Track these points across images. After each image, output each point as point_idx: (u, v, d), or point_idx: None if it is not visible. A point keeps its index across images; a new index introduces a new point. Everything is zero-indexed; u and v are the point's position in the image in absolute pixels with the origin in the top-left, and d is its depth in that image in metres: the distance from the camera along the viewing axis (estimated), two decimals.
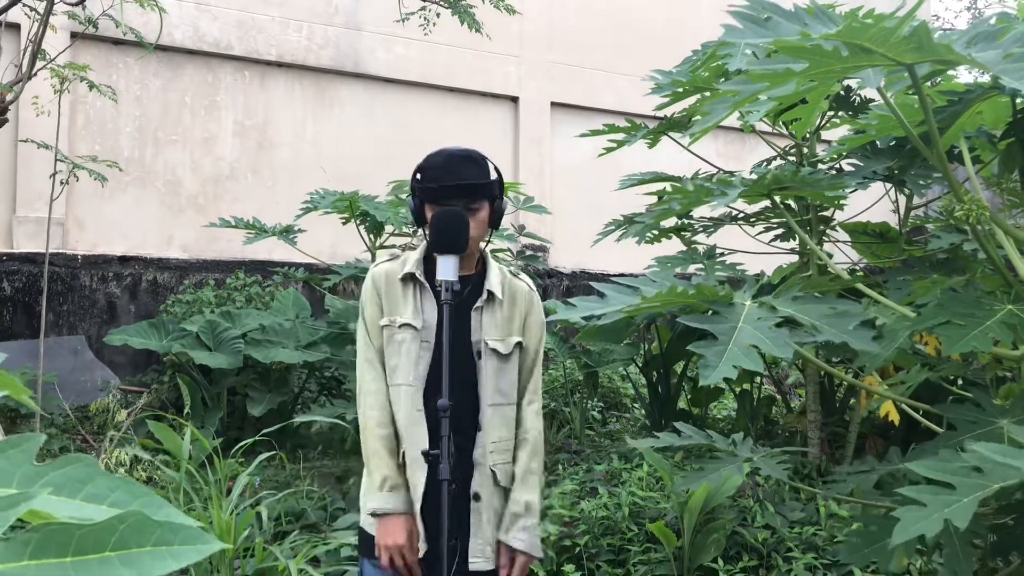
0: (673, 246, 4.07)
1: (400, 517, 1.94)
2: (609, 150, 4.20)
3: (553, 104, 9.01)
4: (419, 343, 2.00)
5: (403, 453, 1.99)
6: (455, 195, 1.97)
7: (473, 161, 2.01)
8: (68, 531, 0.48)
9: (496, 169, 2.06)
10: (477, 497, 1.98)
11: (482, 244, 2.11)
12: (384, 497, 1.95)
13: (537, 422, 2.12)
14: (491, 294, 2.04)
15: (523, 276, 2.17)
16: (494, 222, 2.06)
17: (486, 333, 2.02)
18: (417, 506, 1.96)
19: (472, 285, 2.05)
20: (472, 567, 1.96)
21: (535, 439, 2.10)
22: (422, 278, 2.04)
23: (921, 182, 2.35)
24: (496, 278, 2.07)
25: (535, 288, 2.17)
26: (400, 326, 2.01)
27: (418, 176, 2.03)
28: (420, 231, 2.15)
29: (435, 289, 1.99)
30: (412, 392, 1.99)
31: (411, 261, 2.06)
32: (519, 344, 2.08)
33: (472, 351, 2.02)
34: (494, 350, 2.02)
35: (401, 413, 2.00)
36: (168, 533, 0.50)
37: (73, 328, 6.69)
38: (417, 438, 1.96)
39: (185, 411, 5.54)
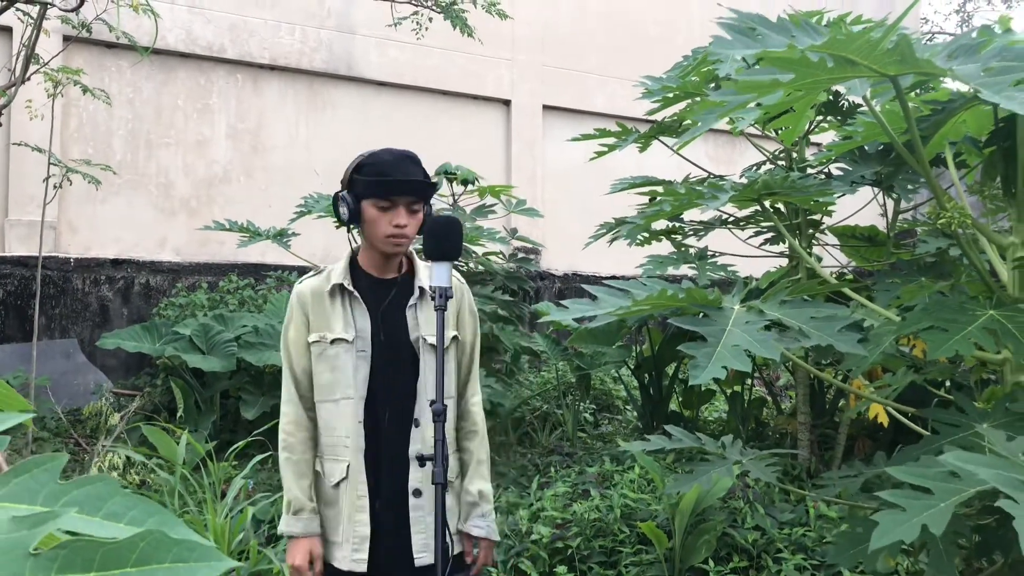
0: (664, 249, 4.11)
1: (303, 540, 1.98)
2: (600, 154, 4.23)
3: (545, 107, 9.04)
4: (355, 354, 2.00)
5: (347, 467, 1.99)
6: (402, 192, 1.97)
7: (417, 163, 2.03)
8: (93, 548, 0.51)
9: (434, 183, 2.08)
10: (418, 493, 2.00)
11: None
12: (290, 520, 1.99)
13: (481, 413, 2.18)
14: (422, 290, 2.06)
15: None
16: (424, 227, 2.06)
17: (423, 329, 2.03)
18: (364, 516, 1.97)
19: (400, 285, 2.06)
20: (418, 563, 1.98)
21: (482, 430, 2.17)
22: (351, 287, 2.03)
23: (909, 187, 2.39)
24: (424, 275, 2.08)
25: (464, 281, 2.19)
26: (332, 341, 2.00)
27: (358, 172, 2.01)
28: (350, 232, 2.15)
29: (368, 298, 2.02)
30: (355, 404, 1.99)
31: (336, 272, 2.05)
32: (455, 338, 2.10)
33: (412, 349, 2.02)
34: (432, 345, 2.01)
35: (342, 427, 2.00)
36: (185, 551, 0.53)
37: (66, 331, 6.69)
38: (359, 448, 1.98)
39: (178, 414, 5.54)
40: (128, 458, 4.84)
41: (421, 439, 2.01)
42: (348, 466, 1.98)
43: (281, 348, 2.09)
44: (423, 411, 2.00)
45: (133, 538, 0.52)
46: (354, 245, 2.17)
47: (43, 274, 6.36)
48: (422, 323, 2.04)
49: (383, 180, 1.97)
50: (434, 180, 2.09)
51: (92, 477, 0.60)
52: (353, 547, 1.96)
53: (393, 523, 1.99)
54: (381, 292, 2.04)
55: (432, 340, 2.01)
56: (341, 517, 2.00)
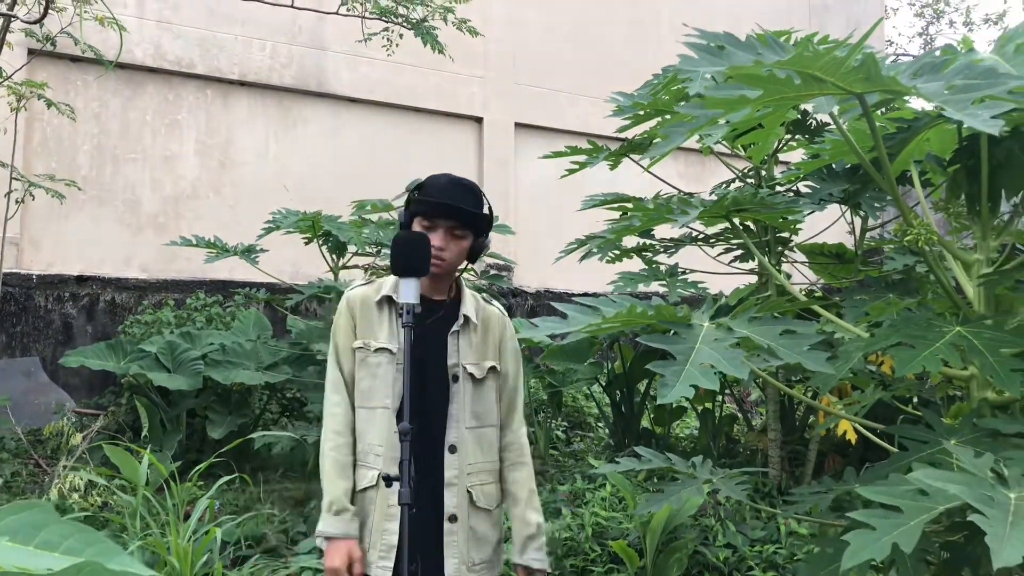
0: (635, 266, 4.11)
1: (343, 541, 1.96)
2: (572, 171, 4.23)
3: (517, 125, 9.06)
4: (395, 366, 2.02)
5: (377, 475, 1.99)
6: (444, 215, 2.02)
7: (471, 192, 2.09)
8: None
9: (490, 208, 2.12)
10: (453, 519, 2.01)
11: (456, 272, 2.15)
12: (330, 520, 1.98)
13: (527, 445, 2.23)
14: (467, 319, 2.09)
15: (495, 303, 2.23)
16: (473, 255, 2.12)
17: (463, 357, 2.07)
18: (394, 525, 1.96)
19: (447, 310, 2.10)
20: None
21: (530, 461, 2.21)
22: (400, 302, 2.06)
23: (876, 204, 2.40)
24: (471, 304, 2.13)
25: (507, 314, 2.23)
26: (375, 350, 2.04)
27: (416, 192, 2.08)
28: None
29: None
30: (390, 415, 2.01)
31: (387, 285, 2.10)
32: (493, 368, 2.12)
33: (448, 375, 2.05)
34: (471, 374, 2.06)
35: (378, 435, 2.02)
36: None
37: (27, 349, 6.54)
38: (394, 459, 1.94)
39: (143, 434, 5.43)
40: (90, 479, 4.73)
41: (458, 466, 2.03)
42: (379, 474, 1.98)
43: (329, 352, 2.13)
44: (460, 437, 2.03)
45: (68, 570, 0.49)
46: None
47: (4, 291, 6.23)
48: (463, 350, 2.08)
49: (426, 200, 2.04)
50: (487, 214, 2.13)
51: (26, 503, 0.56)
52: (380, 554, 1.97)
53: (420, 542, 1.96)
54: (424, 313, 2.03)
55: (472, 369, 2.07)
56: (370, 523, 2.00)
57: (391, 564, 1.96)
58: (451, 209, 2.02)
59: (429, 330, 2.04)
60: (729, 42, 1.27)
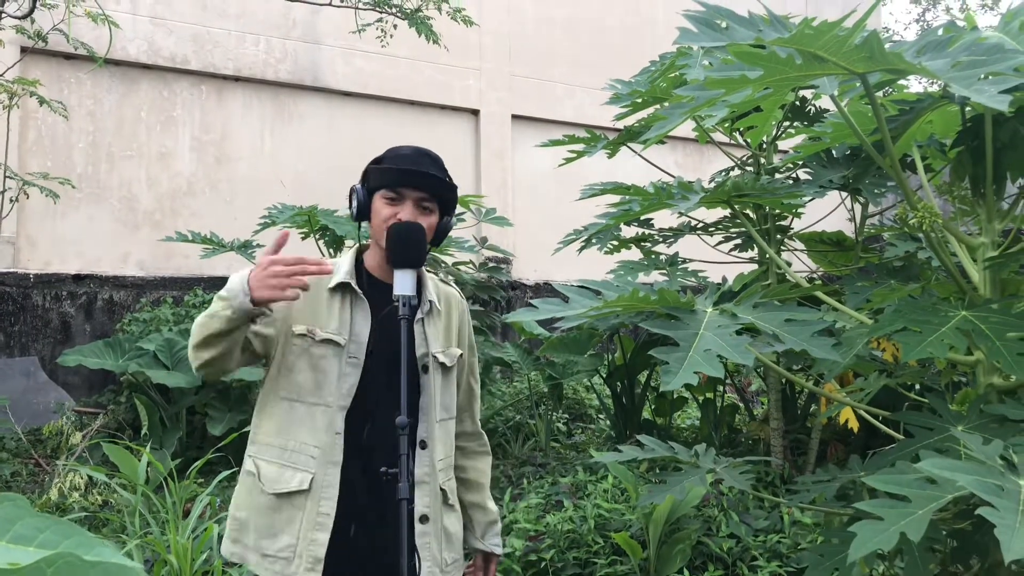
0: (634, 256, 4.09)
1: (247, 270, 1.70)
2: (569, 160, 4.20)
3: (514, 116, 9.03)
4: (343, 360, 1.83)
5: (310, 479, 1.78)
6: (412, 184, 1.84)
7: (437, 162, 1.91)
8: None
9: (454, 185, 1.96)
10: (425, 519, 1.85)
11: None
12: (222, 294, 1.68)
13: (483, 432, 2.17)
14: (432, 304, 1.93)
15: (451, 282, 2.07)
16: (438, 237, 1.93)
17: (432, 346, 1.89)
18: (323, 536, 1.77)
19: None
20: None
21: (489, 449, 2.16)
22: (357, 289, 1.87)
23: (876, 191, 2.38)
24: (431, 287, 1.96)
25: (463, 295, 2.09)
26: (320, 340, 1.82)
27: (375, 164, 1.90)
28: (360, 228, 1.98)
29: (372, 301, 1.87)
30: (332, 414, 1.81)
31: (342, 269, 1.88)
32: (460, 356, 1.99)
33: (418, 365, 1.88)
34: (442, 363, 1.91)
35: (313, 435, 1.80)
36: (101, 575, 0.47)
37: (25, 349, 6.52)
38: (332, 463, 1.80)
39: (143, 432, 5.41)
40: (90, 478, 4.71)
41: (430, 462, 1.87)
42: (312, 479, 1.79)
43: None
44: (431, 432, 1.87)
45: (39, 563, 0.46)
46: (360, 243, 2.04)
47: (1, 290, 6.20)
48: (431, 338, 1.90)
49: (392, 168, 1.85)
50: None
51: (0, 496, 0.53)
52: (307, 567, 1.76)
53: (371, 547, 1.83)
54: (382, 298, 1.86)
55: (442, 358, 1.91)
56: (295, 532, 1.79)
57: None
58: (421, 176, 1.84)
59: (388, 317, 1.84)
60: (730, 18, 1.24)
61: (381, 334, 1.87)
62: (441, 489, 1.90)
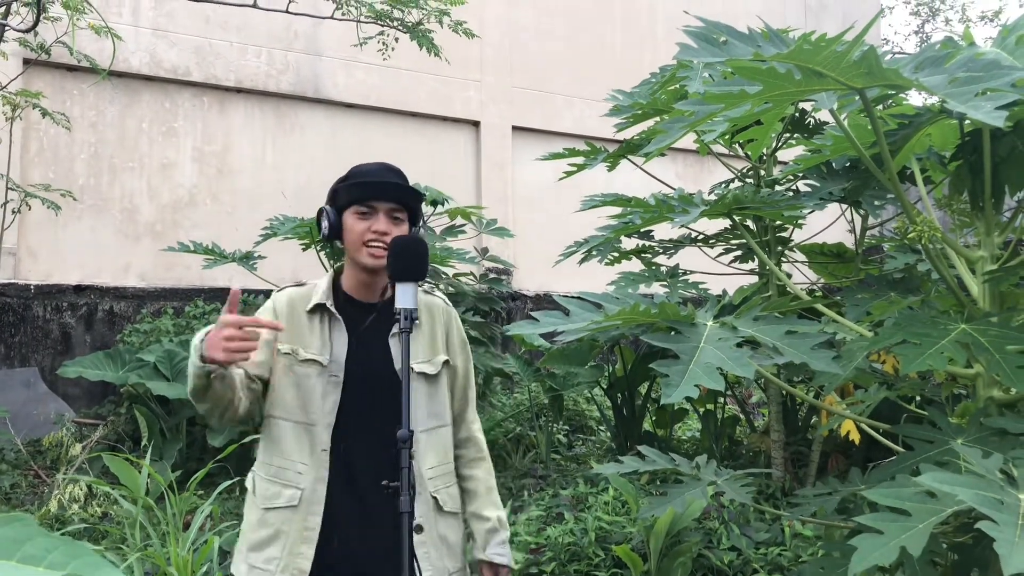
0: (634, 268, 4.09)
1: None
2: (569, 173, 4.21)
3: (514, 128, 9.05)
4: (326, 379, 1.89)
5: (299, 495, 1.84)
6: (383, 196, 1.90)
7: (399, 174, 1.97)
8: None
9: (421, 194, 2.00)
10: (419, 529, 1.87)
11: None
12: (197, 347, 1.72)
13: (483, 439, 2.13)
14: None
15: (437, 292, 2.09)
16: None
17: (411, 357, 1.89)
18: (309, 549, 1.81)
19: (381, 310, 1.95)
20: None
21: (487, 456, 2.11)
22: (333, 309, 1.93)
23: (876, 203, 2.38)
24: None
25: (451, 303, 2.10)
26: (303, 360, 1.89)
27: (341, 183, 1.95)
28: (323, 250, 2.06)
29: (348, 322, 1.92)
30: (317, 431, 1.87)
31: (320, 291, 1.95)
32: (446, 363, 2.01)
33: (393, 379, 1.87)
34: (422, 373, 1.94)
35: (300, 452, 1.87)
36: None
37: (26, 360, 6.52)
38: (319, 478, 1.85)
39: (143, 443, 5.40)
40: (90, 489, 4.71)
41: (418, 471, 1.89)
42: (301, 495, 1.85)
43: None
44: (415, 442, 1.89)
45: None
46: (334, 266, 2.08)
47: (2, 301, 6.21)
48: (412, 350, 1.91)
49: (361, 183, 1.91)
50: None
51: (8, 516, 0.54)
52: None
53: (356, 559, 1.85)
54: (360, 318, 1.93)
55: (420, 368, 1.93)
56: (283, 544, 1.84)
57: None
58: (392, 188, 1.90)
59: (365, 334, 1.91)
60: (729, 33, 1.25)
61: (359, 351, 1.92)
62: (432, 496, 1.93)
